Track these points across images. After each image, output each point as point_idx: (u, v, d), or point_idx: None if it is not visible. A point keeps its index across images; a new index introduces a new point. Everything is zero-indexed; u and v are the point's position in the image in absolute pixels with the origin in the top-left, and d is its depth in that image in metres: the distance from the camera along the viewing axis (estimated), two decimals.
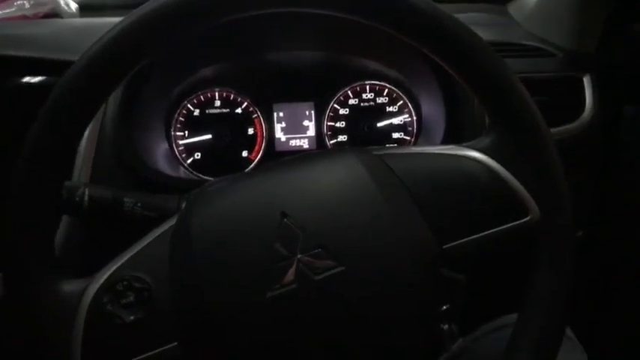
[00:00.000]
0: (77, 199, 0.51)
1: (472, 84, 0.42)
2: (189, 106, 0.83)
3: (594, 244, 0.87)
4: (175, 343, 0.39)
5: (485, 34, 0.43)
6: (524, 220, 0.42)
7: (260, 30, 0.75)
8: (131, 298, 0.39)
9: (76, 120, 0.39)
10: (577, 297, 0.43)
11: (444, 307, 0.54)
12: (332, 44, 0.80)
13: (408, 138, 0.86)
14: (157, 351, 0.39)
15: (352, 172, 0.41)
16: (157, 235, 0.42)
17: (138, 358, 0.38)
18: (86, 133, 0.65)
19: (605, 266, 0.94)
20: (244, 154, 0.85)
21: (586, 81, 0.76)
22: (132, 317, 0.39)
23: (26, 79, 0.68)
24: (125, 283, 0.40)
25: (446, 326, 0.55)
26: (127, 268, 0.41)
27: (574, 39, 0.78)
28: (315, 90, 0.85)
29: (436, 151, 0.44)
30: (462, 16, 0.42)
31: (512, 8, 0.88)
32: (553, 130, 0.71)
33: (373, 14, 0.40)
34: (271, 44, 0.79)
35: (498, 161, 0.42)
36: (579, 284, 0.43)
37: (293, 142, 0.87)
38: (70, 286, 0.41)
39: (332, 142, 0.87)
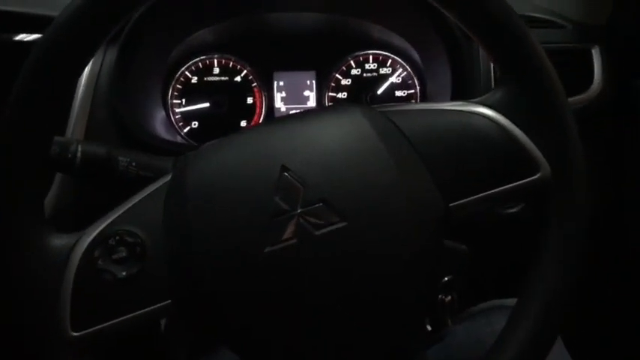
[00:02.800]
0: (70, 155, 0.49)
1: (484, 35, 0.40)
2: (187, 73, 0.81)
3: (601, 229, 0.84)
4: (169, 301, 0.38)
5: None
6: (534, 177, 0.40)
7: None
8: (123, 254, 0.38)
9: (69, 63, 0.37)
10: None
11: (447, 278, 0.52)
12: (335, 4, 0.77)
13: None
14: (149, 309, 0.38)
15: (356, 126, 0.40)
16: (151, 190, 0.41)
17: (130, 315, 0.37)
18: (81, 91, 0.63)
19: (608, 257, 0.90)
20: (243, 123, 0.84)
21: (595, 53, 0.75)
22: (124, 273, 0.38)
23: (20, 36, 0.65)
24: (117, 238, 0.38)
25: (449, 297, 0.53)
26: (120, 222, 0.39)
27: (584, 11, 0.77)
28: (317, 59, 0.83)
29: (443, 107, 0.42)
30: None
31: None
32: None
33: None
34: (271, 2, 0.76)
35: (508, 117, 0.41)
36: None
37: (293, 113, 0.85)
38: (59, 241, 0.39)
39: None
